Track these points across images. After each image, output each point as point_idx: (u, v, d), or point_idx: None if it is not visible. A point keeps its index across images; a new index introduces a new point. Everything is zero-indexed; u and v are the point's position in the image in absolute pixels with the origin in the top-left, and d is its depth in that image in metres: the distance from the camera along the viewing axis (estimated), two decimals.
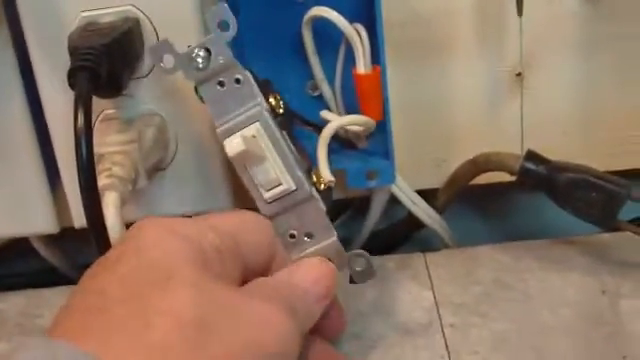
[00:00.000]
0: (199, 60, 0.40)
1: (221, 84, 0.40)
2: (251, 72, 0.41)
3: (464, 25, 0.52)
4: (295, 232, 0.42)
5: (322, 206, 0.42)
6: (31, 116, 0.49)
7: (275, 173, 0.40)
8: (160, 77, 0.47)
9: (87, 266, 0.56)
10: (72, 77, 0.40)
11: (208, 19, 0.40)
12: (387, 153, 0.49)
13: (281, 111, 0.42)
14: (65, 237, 0.54)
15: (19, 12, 0.46)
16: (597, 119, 0.54)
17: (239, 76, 0.40)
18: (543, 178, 0.49)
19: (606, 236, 0.53)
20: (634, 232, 0.48)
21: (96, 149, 0.43)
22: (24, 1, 0.45)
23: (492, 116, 0.54)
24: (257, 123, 0.40)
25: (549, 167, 0.49)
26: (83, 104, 0.39)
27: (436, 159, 0.55)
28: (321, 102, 0.51)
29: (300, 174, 0.41)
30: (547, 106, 0.54)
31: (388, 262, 0.53)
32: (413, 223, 0.56)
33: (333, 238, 0.42)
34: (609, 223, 0.48)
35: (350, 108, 0.50)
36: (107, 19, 0.45)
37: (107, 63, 0.41)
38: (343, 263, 0.42)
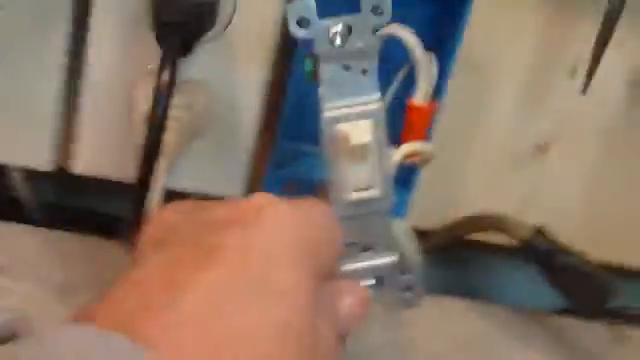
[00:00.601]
0: (337, 36, 0.38)
1: (346, 67, 0.38)
2: None
3: (514, 80, 0.53)
4: (356, 241, 0.40)
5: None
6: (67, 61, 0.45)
7: (371, 176, 0.39)
8: (220, 48, 0.44)
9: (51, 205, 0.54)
10: (164, 30, 0.37)
11: None
12: (409, 184, 0.49)
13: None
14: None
15: None
16: (603, 212, 0.56)
17: (367, 66, 0.38)
18: (545, 255, 0.50)
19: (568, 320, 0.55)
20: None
21: (146, 106, 0.41)
22: None
23: (507, 175, 0.55)
24: (370, 120, 0.38)
25: (553, 247, 0.50)
26: (171, 62, 0.36)
27: (442, 201, 0.55)
28: None
29: (391, 185, 0.39)
30: (561, 184, 0.55)
31: None
32: None
33: (394, 258, 0.41)
34: (594, 313, 0.51)
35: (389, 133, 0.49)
36: None
37: (196, 25, 0.39)
38: (394, 285, 0.41)
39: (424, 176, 0.52)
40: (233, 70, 0.45)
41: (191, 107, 0.42)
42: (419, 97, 0.46)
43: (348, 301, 0.37)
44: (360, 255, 0.40)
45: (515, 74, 0.52)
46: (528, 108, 0.53)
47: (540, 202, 0.55)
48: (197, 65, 0.44)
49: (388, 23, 0.45)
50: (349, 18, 0.38)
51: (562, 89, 0.52)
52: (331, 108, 0.38)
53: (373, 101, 0.39)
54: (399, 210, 0.49)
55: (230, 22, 0.44)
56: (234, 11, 0.44)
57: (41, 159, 0.47)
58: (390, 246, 0.41)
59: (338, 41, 0.38)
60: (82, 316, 0.27)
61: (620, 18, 0.46)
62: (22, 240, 0.49)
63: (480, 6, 0.47)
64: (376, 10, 0.38)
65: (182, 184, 0.47)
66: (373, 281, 0.40)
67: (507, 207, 0.54)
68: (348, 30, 0.38)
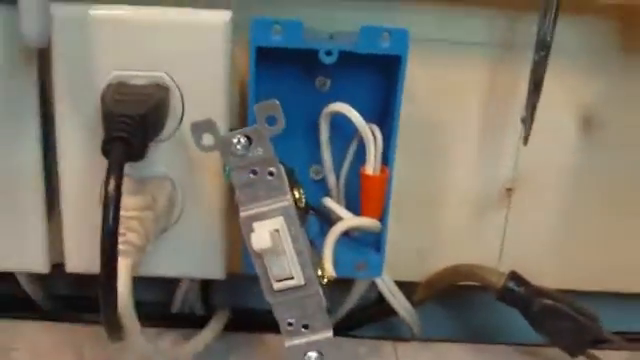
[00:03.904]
0: (238, 147, 0.42)
1: (254, 172, 0.42)
2: (281, 162, 0.43)
3: (469, 134, 0.55)
4: (293, 321, 0.44)
5: (324, 303, 0.44)
6: (42, 155, 0.49)
7: (289, 267, 0.43)
8: (177, 143, 0.48)
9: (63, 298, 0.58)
10: (108, 145, 0.41)
11: (257, 110, 0.42)
12: (379, 246, 0.51)
13: (302, 205, 0.44)
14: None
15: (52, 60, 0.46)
16: (576, 246, 0.58)
17: (273, 169, 0.42)
18: (521, 299, 0.52)
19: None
20: None
21: None
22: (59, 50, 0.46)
23: (477, 224, 0.57)
24: (281, 217, 0.42)
25: (529, 290, 0.52)
26: (116, 173, 0.40)
27: (419, 254, 0.57)
28: (321, 186, 0.53)
29: (312, 272, 0.43)
30: (530, 225, 0.57)
31: (359, 347, 0.55)
32: (387, 310, 0.58)
33: (329, 334, 0.44)
34: (576, 352, 0.51)
35: (351, 201, 0.51)
36: (139, 82, 0.46)
37: (141, 134, 0.42)
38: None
39: (397, 231, 0.54)
40: (193, 162, 0.48)
41: (154, 205, 0.46)
42: (369, 167, 0.49)
43: None
44: (300, 332, 0.44)
45: (469, 126, 0.55)
46: (487, 156, 0.55)
47: (510, 245, 0.57)
48: (157, 162, 0.48)
49: (333, 101, 0.49)
50: (247, 129, 0.42)
51: (516, 134, 0.54)
52: (246, 209, 0.43)
53: (283, 199, 0.43)
54: (374, 271, 0.52)
55: (182, 119, 0.47)
56: (183, 110, 0.47)
57: (37, 263, 0.51)
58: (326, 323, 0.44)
59: (240, 151, 0.42)
60: None
61: (547, 64, 0.48)
62: (39, 336, 0.54)
63: (424, 70, 0.50)
64: (270, 121, 0.42)
65: (161, 270, 0.50)
66: (315, 354, 0.45)
67: (478, 254, 0.56)
68: (248, 139, 0.42)
